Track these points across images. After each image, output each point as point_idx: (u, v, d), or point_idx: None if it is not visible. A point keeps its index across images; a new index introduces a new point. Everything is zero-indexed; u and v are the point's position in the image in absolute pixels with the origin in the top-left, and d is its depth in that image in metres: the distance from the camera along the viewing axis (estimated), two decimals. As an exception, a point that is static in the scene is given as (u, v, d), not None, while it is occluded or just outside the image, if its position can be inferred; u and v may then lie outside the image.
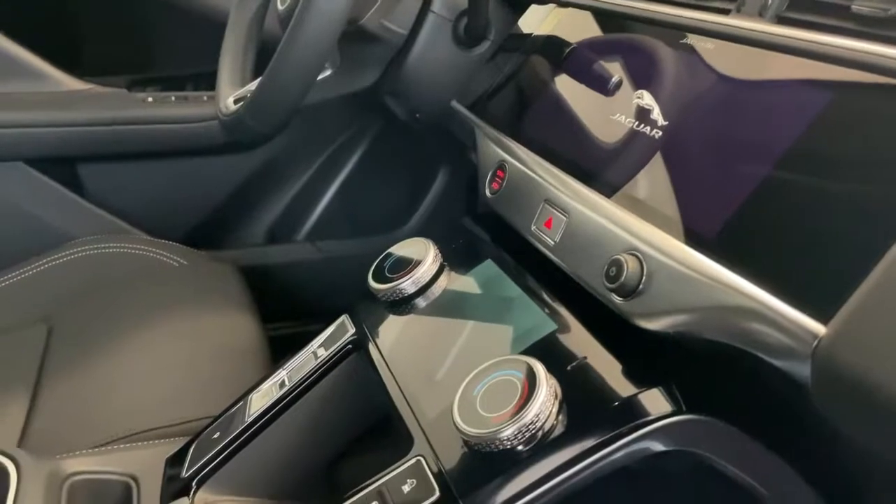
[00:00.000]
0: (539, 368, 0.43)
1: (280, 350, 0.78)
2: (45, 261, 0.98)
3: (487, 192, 0.61)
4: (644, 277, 0.43)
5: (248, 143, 1.14)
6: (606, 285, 0.44)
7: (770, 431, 0.44)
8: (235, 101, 0.78)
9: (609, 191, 0.49)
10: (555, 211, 0.52)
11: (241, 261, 1.09)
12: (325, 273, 1.21)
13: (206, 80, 1.20)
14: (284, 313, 1.16)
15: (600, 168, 0.51)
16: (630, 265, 0.43)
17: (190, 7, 1.13)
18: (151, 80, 1.16)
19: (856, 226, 0.34)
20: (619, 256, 0.44)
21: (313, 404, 0.57)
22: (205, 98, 1.15)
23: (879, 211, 0.34)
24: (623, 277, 0.43)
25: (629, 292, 0.43)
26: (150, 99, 1.12)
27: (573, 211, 0.50)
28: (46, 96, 1.07)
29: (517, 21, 0.74)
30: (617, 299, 0.44)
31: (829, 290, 0.33)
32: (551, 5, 0.69)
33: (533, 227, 0.53)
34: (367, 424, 0.59)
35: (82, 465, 0.55)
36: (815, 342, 0.33)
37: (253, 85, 0.79)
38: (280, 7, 0.76)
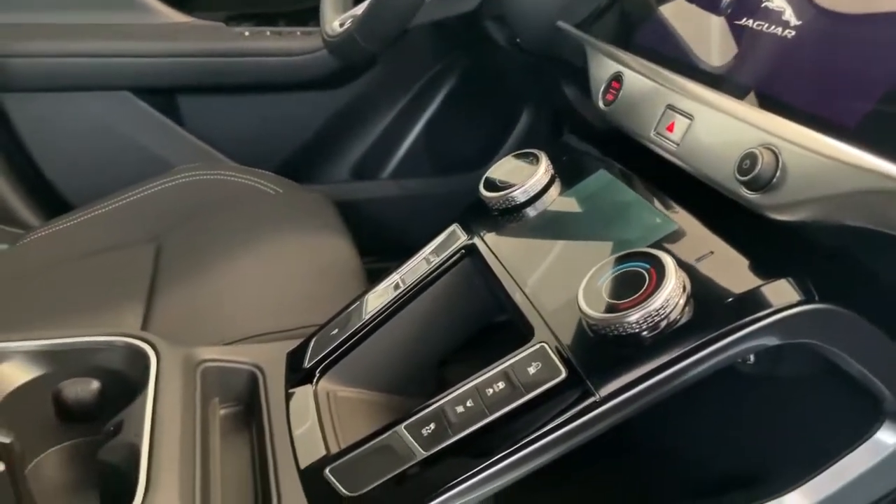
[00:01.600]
0: (668, 260, 0.44)
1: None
2: (151, 186, 1.03)
3: (601, 105, 0.61)
4: (779, 169, 0.43)
5: (350, 65, 1.15)
6: (738, 179, 0.44)
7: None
8: (341, 24, 0.80)
9: (737, 92, 0.49)
10: (677, 115, 0.52)
11: (326, 195, 1.13)
12: (408, 211, 1.24)
13: (298, 18, 1.22)
14: (366, 249, 1.19)
15: (727, 71, 0.51)
16: (765, 158, 0.43)
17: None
18: (247, 16, 1.19)
19: None
20: (753, 150, 0.44)
21: (426, 306, 0.59)
22: (298, 33, 1.18)
23: None
24: (757, 170, 0.43)
25: (762, 185, 0.43)
26: (246, 33, 1.15)
27: (699, 112, 0.50)
28: (151, 28, 1.11)
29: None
30: (748, 193, 0.44)
31: None
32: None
33: (653, 133, 0.54)
34: (476, 327, 0.61)
35: (210, 354, 0.59)
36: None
37: (357, 9, 0.80)
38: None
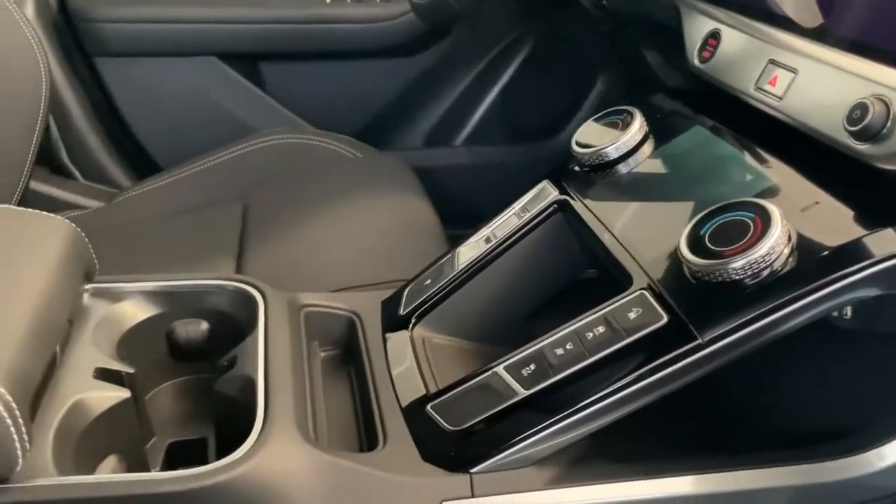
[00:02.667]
0: (775, 209, 0.44)
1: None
2: (236, 149, 1.07)
3: (697, 62, 0.61)
4: (890, 119, 0.43)
5: (433, 30, 1.16)
6: (847, 129, 0.44)
7: None
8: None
9: (841, 44, 0.49)
10: (780, 69, 0.52)
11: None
12: (481, 178, 1.25)
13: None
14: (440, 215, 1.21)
15: (829, 24, 0.51)
16: (876, 108, 0.43)
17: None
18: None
19: None
20: (864, 100, 0.44)
21: (517, 259, 0.61)
22: (378, 1, 1.19)
23: None
24: (868, 120, 0.43)
25: (872, 135, 0.43)
26: (328, 0, 1.18)
27: (803, 66, 0.50)
28: (236, -1, 1.15)
29: None
30: (857, 144, 0.44)
31: None
32: None
33: (753, 89, 0.54)
34: (565, 282, 0.62)
35: (311, 299, 0.62)
36: None
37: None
38: None
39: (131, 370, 0.52)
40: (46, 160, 1.06)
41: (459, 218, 1.19)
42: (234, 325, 0.59)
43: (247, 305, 0.58)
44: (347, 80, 1.23)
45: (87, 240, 0.55)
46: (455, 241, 0.69)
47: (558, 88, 1.29)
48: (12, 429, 0.39)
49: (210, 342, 0.60)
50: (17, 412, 0.39)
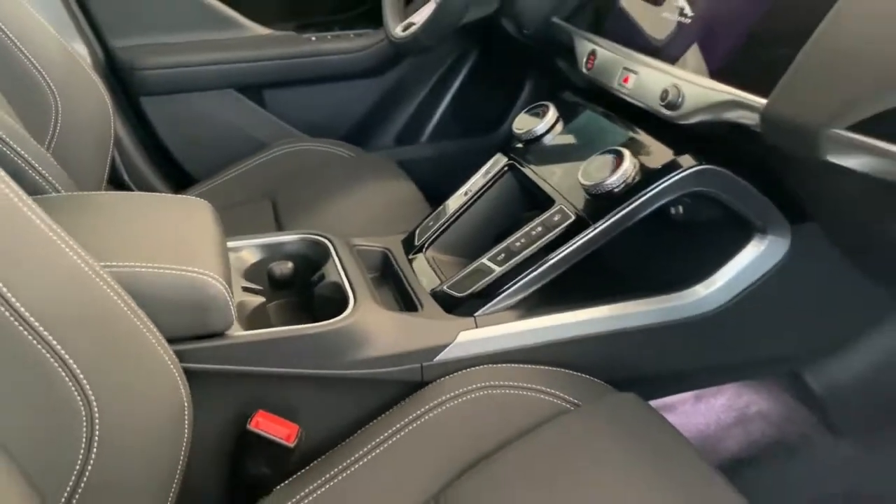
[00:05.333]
0: (625, 151, 0.81)
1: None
2: (257, 158, 1.39)
3: (584, 70, 0.97)
4: (681, 97, 0.79)
5: (396, 57, 1.50)
6: (661, 104, 0.81)
7: (756, 178, 0.80)
8: (403, 29, 1.16)
9: (657, 56, 0.85)
10: (629, 73, 0.88)
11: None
12: (442, 166, 1.60)
13: (350, 24, 1.58)
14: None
15: (656, 45, 0.87)
16: (672, 92, 0.80)
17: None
18: (311, 25, 1.55)
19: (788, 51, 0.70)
20: (667, 88, 0.80)
21: (486, 203, 0.96)
22: (351, 36, 1.53)
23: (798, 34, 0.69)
24: (669, 98, 0.79)
25: (673, 106, 0.80)
26: (313, 38, 1.51)
27: (641, 70, 0.86)
28: (243, 40, 1.47)
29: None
30: (666, 111, 0.81)
31: (772, 84, 0.69)
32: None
33: (616, 84, 0.90)
34: (516, 214, 0.98)
35: (358, 241, 0.96)
36: (763, 108, 0.69)
37: (412, 18, 1.17)
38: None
39: (260, 288, 0.86)
40: (112, 179, 1.36)
41: (429, 199, 1.55)
42: (309, 263, 0.92)
43: (318, 248, 0.92)
44: (332, 97, 1.57)
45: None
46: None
47: (497, 92, 1.65)
48: (230, 302, 0.72)
49: (294, 276, 0.93)
50: (228, 294, 0.73)
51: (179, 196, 0.87)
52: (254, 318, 0.80)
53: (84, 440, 0.56)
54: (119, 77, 1.39)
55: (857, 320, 0.92)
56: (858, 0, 0.61)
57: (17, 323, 0.52)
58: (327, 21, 1.56)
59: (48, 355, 0.54)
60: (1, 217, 0.52)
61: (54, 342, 0.54)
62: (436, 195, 1.28)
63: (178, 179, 1.46)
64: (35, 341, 0.53)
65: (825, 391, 0.95)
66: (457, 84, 1.63)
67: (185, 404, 0.65)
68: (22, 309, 0.52)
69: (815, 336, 0.92)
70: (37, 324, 0.53)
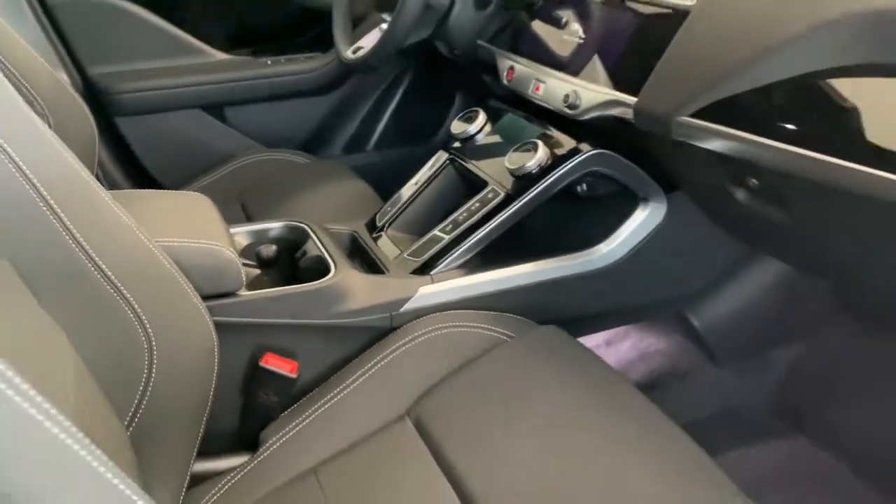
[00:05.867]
0: (540, 142, 1.05)
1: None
2: (225, 167, 1.59)
3: (505, 81, 1.22)
4: (579, 99, 1.04)
5: (344, 76, 1.72)
6: (564, 105, 1.06)
7: (637, 159, 1.06)
8: (353, 52, 1.38)
9: (563, 69, 1.10)
10: (539, 82, 1.13)
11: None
12: (387, 170, 1.82)
13: (300, 48, 1.79)
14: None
15: (559, 60, 1.12)
16: (572, 96, 1.04)
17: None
18: (266, 50, 1.75)
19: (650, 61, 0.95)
20: (567, 93, 1.05)
21: (432, 190, 1.19)
22: (302, 58, 1.74)
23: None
24: (570, 101, 1.04)
25: (573, 107, 1.05)
26: (269, 62, 1.72)
27: (548, 80, 1.11)
28: (208, 65, 1.66)
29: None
30: (568, 111, 1.06)
31: (640, 86, 0.94)
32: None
33: (530, 92, 1.15)
34: (457, 198, 1.21)
35: (332, 226, 1.17)
36: (634, 104, 0.94)
37: (361, 42, 1.39)
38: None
39: (254, 264, 1.06)
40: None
41: (380, 197, 1.76)
42: (291, 244, 1.13)
43: (298, 232, 1.13)
44: (287, 113, 1.77)
45: (216, 205, 1.08)
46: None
47: (431, 103, 1.88)
48: (240, 267, 0.92)
49: (278, 256, 1.14)
50: (238, 261, 0.93)
51: (186, 192, 1.07)
52: (253, 285, 1.00)
53: (146, 369, 0.76)
54: (97, 100, 1.56)
55: (725, 267, 1.19)
56: (692, 29, 0.87)
57: (101, 278, 0.72)
58: (279, 46, 1.77)
59: (122, 303, 0.74)
60: (91, 204, 0.72)
61: (126, 293, 0.74)
62: (385, 195, 1.50)
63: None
64: (113, 292, 0.73)
65: (704, 328, 1.21)
66: (397, 98, 1.86)
67: (215, 344, 0.85)
68: (104, 267, 0.72)
69: (693, 282, 1.18)
70: (115, 279, 0.73)
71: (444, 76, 1.81)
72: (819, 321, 1.24)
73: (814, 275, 1.15)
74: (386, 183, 1.64)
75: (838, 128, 0.74)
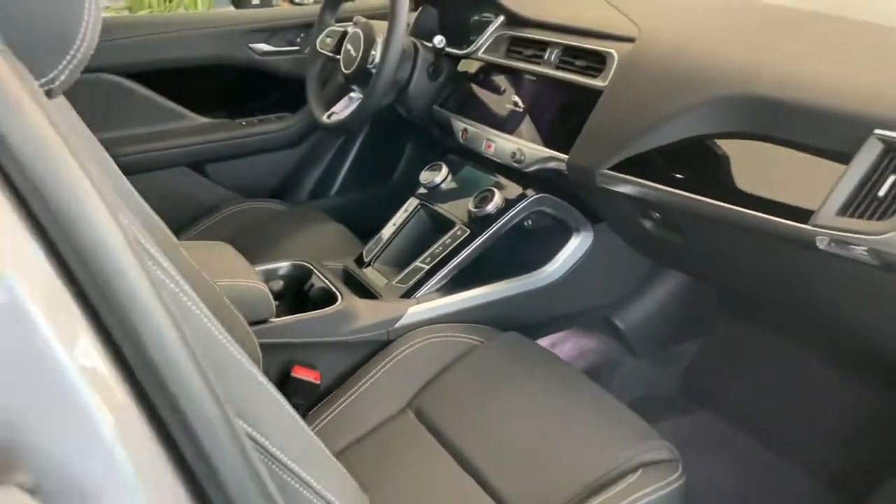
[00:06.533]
0: (495, 189, 1.35)
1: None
2: (213, 217, 1.82)
3: (461, 140, 1.52)
4: (523, 156, 1.35)
5: (308, 133, 1.99)
6: (512, 160, 1.36)
7: (571, 200, 1.37)
8: (328, 117, 1.66)
9: (509, 131, 1.41)
10: (490, 141, 1.43)
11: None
12: (350, 211, 2.08)
13: (268, 110, 2.04)
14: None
15: (503, 123, 1.43)
16: (518, 153, 1.35)
17: (265, 69, 1.97)
18: (241, 113, 2.00)
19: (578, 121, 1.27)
20: (514, 150, 1.36)
21: (408, 231, 1.47)
22: (273, 119, 2.00)
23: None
24: (517, 156, 1.35)
25: (520, 162, 1.35)
26: (244, 122, 1.96)
27: (497, 140, 1.42)
28: (189, 128, 1.89)
29: (457, 66, 1.64)
30: (516, 165, 1.36)
31: (571, 145, 1.26)
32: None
33: (483, 149, 1.45)
34: (429, 237, 1.49)
35: (329, 263, 1.43)
36: (567, 160, 1.26)
37: (336, 108, 1.67)
38: (345, 70, 1.63)
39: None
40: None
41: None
42: (295, 281, 1.38)
43: (302, 269, 1.39)
44: (260, 166, 2.02)
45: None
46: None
47: (385, 152, 2.17)
48: (272, 299, 1.18)
49: (285, 290, 1.39)
50: (270, 295, 1.18)
51: (211, 241, 1.31)
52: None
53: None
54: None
55: (640, 280, 1.52)
56: (606, 104, 1.19)
57: (193, 307, 0.97)
58: (251, 108, 2.02)
59: (206, 321, 0.99)
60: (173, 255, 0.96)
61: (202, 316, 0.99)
62: (355, 232, 1.75)
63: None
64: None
65: (627, 328, 1.53)
66: (355, 148, 2.14)
67: (260, 360, 1.10)
68: (188, 303, 0.97)
69: (617, 292, 1.50)
70: (195, 308, 0.98)
71: (396, 130, 2.10)
72: (714, 319, 1.59)
73: (705, 282, 1.49)
74: (351, 222, 1.90)
75: (713, 177, 1.07)
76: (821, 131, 0.94)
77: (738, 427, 1.51)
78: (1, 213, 0.36)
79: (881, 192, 0.87)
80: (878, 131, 0.88)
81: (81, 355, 0.37)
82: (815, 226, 0.91)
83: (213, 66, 1.90)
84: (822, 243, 0.91)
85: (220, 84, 2.02)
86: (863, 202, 0.88)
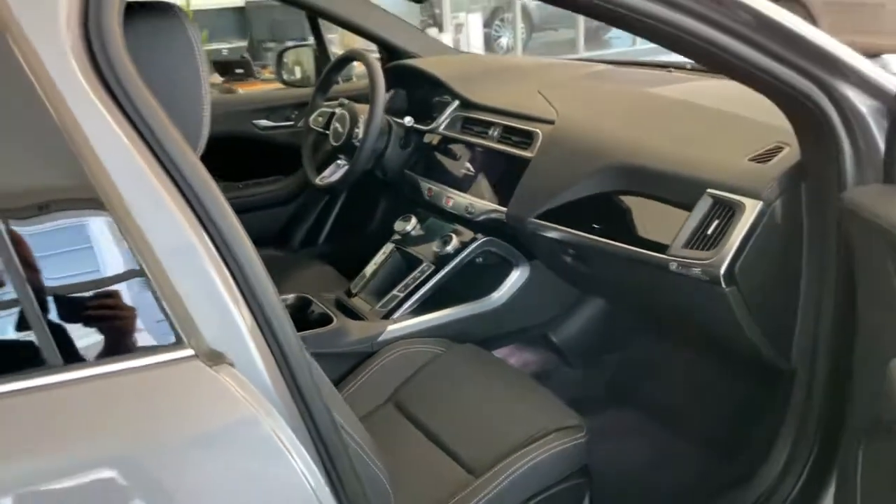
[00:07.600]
0: (454, 235, 1.77)
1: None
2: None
3: (426, 197, 1.93)
4: (475, 209, 1.76)
5: (300, 192, 2.39)
6: (466, 213, 1.78)
7: (511, 241, 1.78)
8: (320, 180, 2.06)
9: (464, 190, 1.83)
10: (451, 198, 1.85)
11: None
12: (337, 257, 2.47)
13: (264, 175, 2.44)
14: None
15: (459, 184, 1.85)
16: (470, 207, 1.77)
17: (265, 140, 2.38)
18: (242, 176, 2.39)
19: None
20: (467, 205, 1.78)
21: (387, 268, 1.87)
22: (269, 181, 2.40)
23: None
24: (470, 209, 1.77)
25: (472, 213, 1.77)
26: (241, 185, 2.36)
27: (455, 197, 1.83)
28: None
29: (423, 139, 2.06)
30: (468, 216, 1.77)
31: (508, 199, 1.67)
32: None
33: (444, 203, 1.87)
34: (408, 269, 1.88)
35: (327, 294, 1.82)
36: (506, 211, 1.67)
37: (326, 172, 2.08)
38: (334, 143, 2.04)
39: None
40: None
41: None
42: (297, 310, 1.76)
43: (303, 300, 1.77)
44: (257, 222, 2.40)
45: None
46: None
47: (366, 207, 2.57)
48: (286, 320, 1.56)
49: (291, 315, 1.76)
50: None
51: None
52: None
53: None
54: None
55: (569, 302, 1.93)
56: (534, 169, 1.62)
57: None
58: (251, 171, 2.42)
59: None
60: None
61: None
62: (341, 272, 2.12)
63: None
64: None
65: (560, 342, 1.94)
66: (339, 205, 2.53)
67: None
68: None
69: (551, 313, 1.91)
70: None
71: (371, 188, 2.51)
72: (631, 334, 2.00)
73: (613, 302, 1.91)
74: (338, 265, 2.27)
75: (614, 223, 1.49)
76: (672, 189, 1.37)
77: (648, 416, 1.90)
78: None
79: (709, 232, 1.30)
80: (709, 190, 1.31)
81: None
82: (668, 255, 1.33)
83: (224, 138, 2.30)
84: (673, 266, 1.33)
85: (228, 153, 2.41)
86: (699, 239, 1.31)
